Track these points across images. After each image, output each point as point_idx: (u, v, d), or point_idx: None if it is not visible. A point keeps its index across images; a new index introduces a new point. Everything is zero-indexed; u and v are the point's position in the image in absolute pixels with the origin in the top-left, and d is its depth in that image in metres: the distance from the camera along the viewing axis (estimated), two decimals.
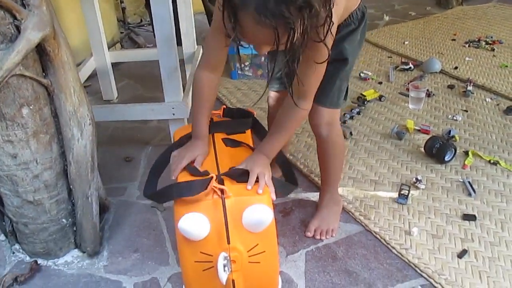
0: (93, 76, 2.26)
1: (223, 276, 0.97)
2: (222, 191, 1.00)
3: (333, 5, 0.91)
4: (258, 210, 1.00)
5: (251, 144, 1.23)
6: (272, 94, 1.49)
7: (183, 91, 1.76)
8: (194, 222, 0.97)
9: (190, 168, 1.10)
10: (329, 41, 1.00)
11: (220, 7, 0.90)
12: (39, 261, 1.34)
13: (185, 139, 1.21)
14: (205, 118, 1.19)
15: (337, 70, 1.24)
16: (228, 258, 0.98)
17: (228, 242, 0.99)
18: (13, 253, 1.37)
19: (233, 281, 1.00)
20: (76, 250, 1.38)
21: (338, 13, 1.06)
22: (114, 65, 2.35)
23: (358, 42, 1.26)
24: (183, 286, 1.13)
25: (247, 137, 1.26)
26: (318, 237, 1.38)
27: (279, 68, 1.32)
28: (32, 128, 1.17)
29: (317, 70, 1.08)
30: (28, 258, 1.35)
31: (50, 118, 1.22)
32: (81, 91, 1.26)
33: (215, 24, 1.07)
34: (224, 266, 0.97)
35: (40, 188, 1.24)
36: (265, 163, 1.10)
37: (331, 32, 0.96)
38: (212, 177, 1.01)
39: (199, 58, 2.17)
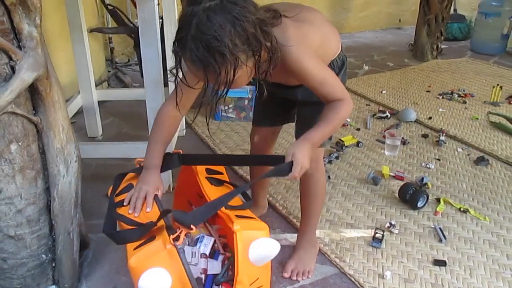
0: (78, 113, 2.31)
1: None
2: (173, 239, 1.01)
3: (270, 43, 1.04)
4: (267, 244, 1.04)
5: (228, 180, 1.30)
6: (258, 130, 1.54)
7: None
8: (154, 279, 0.97)
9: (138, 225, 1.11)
10: (306, 57, 1.13)
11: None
12: None
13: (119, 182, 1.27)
14: (159, 148, 1.25)
15: (320, 112, 1.31)
16: None
17: (236, 275, 1.02)
18: None
19: None
20: (54, 286, 1.37)
21: (310, 47, 1.17)
22: (101, 103, 2.41)
23: None
24: None
25: (225, 177, 1.33)
26: (294, 278, 1.41)
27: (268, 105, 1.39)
28: (19, 164, 1.19)
29: (323, 80, 1.16)
30: None
31: (37, 154, 1.25)
32: (69, 128, 1.30)
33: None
34: None
35: (23, 223, 1.25)
36: (308, 153, 1.13)
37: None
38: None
39: None
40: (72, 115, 2.17)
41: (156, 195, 1.20)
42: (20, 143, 1.18)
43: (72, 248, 1.33)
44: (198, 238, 1.24)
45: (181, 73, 1.09)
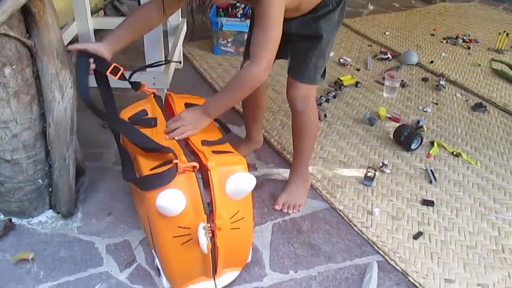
0: (74, 41, 2.25)
1: (205, 244, 1.01)
2: (193, 167, 1.04)
3: None
4: (242, 178, 1.05)
5: None
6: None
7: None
8: (172, 199, 1.00)
9: (153, 143, 1.12)
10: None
11: None
12: (13, 219, 1.37)
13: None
14: (122, 31, 1.25)
15: (313, 47, 1.31)
16: (206, 227, 1.03)
17: (215, 211, 1.04)
18: None
19: (217, 248, 1.06)
20: (51, 210, 1.42)
21: None
22: (96, 32, 2.34)
23: (336, 23, 1.33)
24: (156, 261, 1.18)
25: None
26: (285, 210, 1.45)
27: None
28: (13, 88, 1.18)
29: (266, 31, 1.12)
30: (2, 216, 1.38)
31: (31, 79, 1.24)
32: (64, 54, 1.28)
33: None
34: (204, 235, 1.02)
35: (18, 148, 1.26)
36: (196, 117, 1.18)
37: None
38: (176, 164, 1.03)
39: (182, 31, 2.18)
40: (66, 43, 2.12)
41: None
42: (14, 67, 1.17)
43: (68, 174, 1.35)
44: None
45: None
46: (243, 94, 1.24)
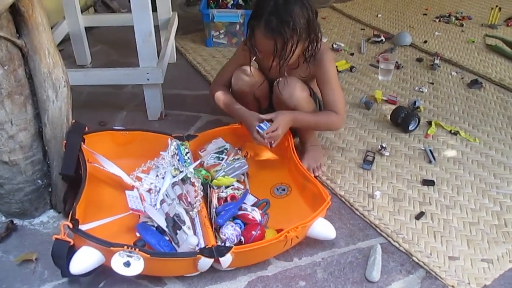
0: (65, 40, 2.24)
1: (127, 271, 1.07)
2: (68, 225, 1.11)
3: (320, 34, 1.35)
4: (329, 228, 1.27)
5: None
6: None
7: (158, 57, 1.78)
8: (81, 264, 1.10)
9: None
10: (326, 60, 1.42)
11: (243, 48, 1.45)
12: (15, 221, 1.37)
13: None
14: (237, 104, 1.51)
15: None
16: (128, 251, 1.08)
17: (304, 224, 1.21)
18: None
19: (288, 239, 1.19)
20: (52, 210, 1.41)
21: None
22: (88, 29, 2.33)
23: None
24: None
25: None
26: (312, 174, 1.46)
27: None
28: (6, 89, 1.18)
29: (333, 86, 1.44)
30: (3, 218, 1.38)
31: (24, 79, 1.23)
32: (55, 53, 1.27)
33: (236, 57, 1.57)
34: (129, 258, 1.08)
35: (16, 149, 1.25)
36: (288, 120, 1.41)
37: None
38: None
39: (174, 25, 2.17)
40: (58, 42, 2.11)
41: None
42: (6, 68, 1.16)
43: None
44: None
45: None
46: (320, 128, 1.58)
